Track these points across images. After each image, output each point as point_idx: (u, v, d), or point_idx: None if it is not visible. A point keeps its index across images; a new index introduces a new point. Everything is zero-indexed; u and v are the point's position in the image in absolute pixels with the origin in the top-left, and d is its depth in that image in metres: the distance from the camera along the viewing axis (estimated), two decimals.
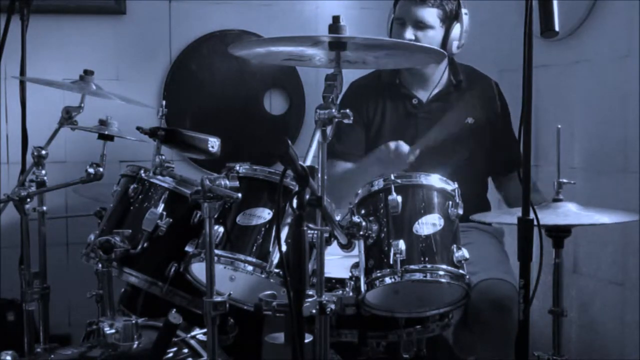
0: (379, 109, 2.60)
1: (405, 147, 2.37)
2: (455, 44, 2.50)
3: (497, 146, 2.61)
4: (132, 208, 2.02)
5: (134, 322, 1.81)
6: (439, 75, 2.58)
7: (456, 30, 2.49)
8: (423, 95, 2.59)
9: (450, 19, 2.48)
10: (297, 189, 1.45)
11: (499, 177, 2.72)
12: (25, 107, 2.27)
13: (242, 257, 1.81)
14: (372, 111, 2.60)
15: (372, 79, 2.66)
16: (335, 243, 1.76)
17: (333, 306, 1.58)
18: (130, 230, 1.93)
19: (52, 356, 1.92)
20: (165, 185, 2.01)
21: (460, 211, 1.87)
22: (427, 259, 1.80)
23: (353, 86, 2.61)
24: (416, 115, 2.56)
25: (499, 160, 2.63)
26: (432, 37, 2.47)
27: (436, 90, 2.58)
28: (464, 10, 2.50)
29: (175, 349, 1.87)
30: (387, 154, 2.38)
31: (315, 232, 1.60)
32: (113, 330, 1.79)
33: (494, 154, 2.61)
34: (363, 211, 1.87)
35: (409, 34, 2.46)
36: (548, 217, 1.84)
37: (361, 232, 1.81)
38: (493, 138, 2.61)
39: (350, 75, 2.51)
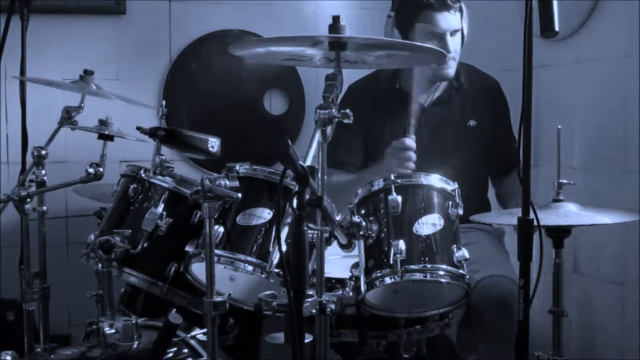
0: (378, 114, 2.56)
1: (411, 142, 2.34)
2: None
3: (496, 146, 2.60)
4: (132, 208, 2.02)
5: (134, 322, 1.81)
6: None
7: (465, 28, 2.48)
8: (424, 99, 2.55)
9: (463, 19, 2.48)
10: (297, 189, 1.45)
11: (495, 177, 2.70)
12: (25, 107, 2.28)
13: (242, 257, 1.81)
14: (372, 117, 2.56)
15: (370, 82, 2.62)
16: (335, 243, 1.76)
17: (333, 306, 1.57)
18: (130, 230, 1.93)
19: (52, 356, 1.92)
20: (165, 185, 2.01)
21: (461, 211, 1.87)
22: (427, 259, 1.80)
23: (351, 90, 2.56)
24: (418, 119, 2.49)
25: (497, 161, 2.62)
26: (458, 41, 2.47)
27: (437, 94, 2.55)
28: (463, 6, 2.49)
29: (175, 349, 1.87)
30: (396, 153, 2.34)
31: (315, 232, 1.60)
32: (113, 330, 1.79)
33: (493, 154, 2.61)
34: (363, 211, 1.86)
35: (450, 45, 2.42)
36: (548, 217, 1.83)
37: (361, 232, 1.81)
38: (493, 138, 2.60)
39: (350, 75, 2.50)
